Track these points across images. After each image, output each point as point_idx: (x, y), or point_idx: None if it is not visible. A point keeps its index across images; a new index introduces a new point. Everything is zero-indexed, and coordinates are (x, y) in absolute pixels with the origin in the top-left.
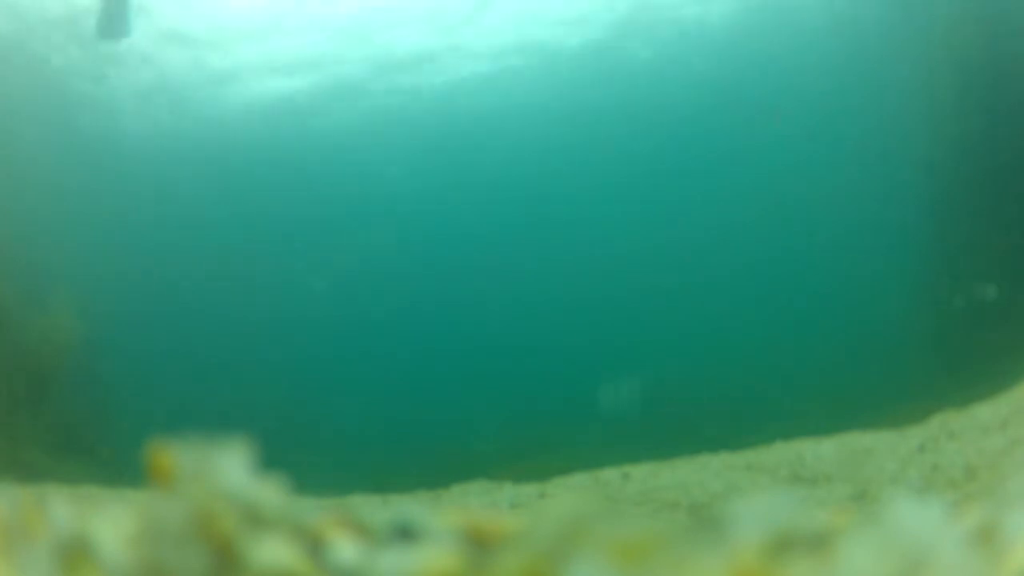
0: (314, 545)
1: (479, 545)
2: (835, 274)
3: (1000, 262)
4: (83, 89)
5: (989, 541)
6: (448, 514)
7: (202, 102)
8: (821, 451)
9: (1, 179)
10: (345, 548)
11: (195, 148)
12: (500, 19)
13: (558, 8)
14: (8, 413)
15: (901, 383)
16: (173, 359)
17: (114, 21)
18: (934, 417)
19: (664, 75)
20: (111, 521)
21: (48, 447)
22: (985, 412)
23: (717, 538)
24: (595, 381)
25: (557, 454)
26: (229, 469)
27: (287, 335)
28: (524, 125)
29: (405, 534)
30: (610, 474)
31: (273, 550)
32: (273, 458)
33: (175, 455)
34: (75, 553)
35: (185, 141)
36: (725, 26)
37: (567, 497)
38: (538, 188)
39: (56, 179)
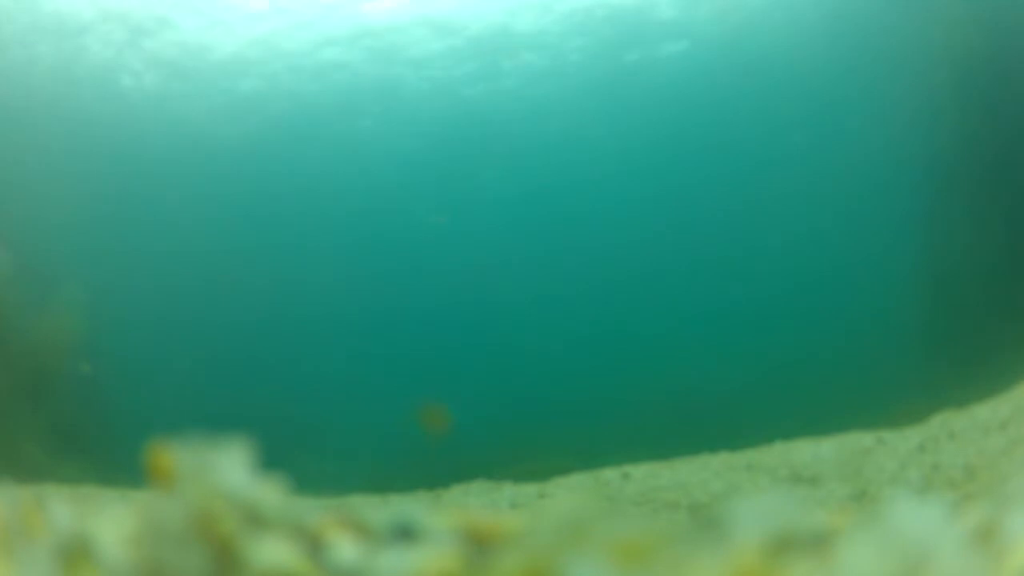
0: (314, 545)
1: (479, 545)
2: (834, 273)
3: (1000, 261)
4: (84, 88)
5: (989, 541)
6: (448, 514)
7: (202, 97)
8: (821, 451)
9: (0, 179)
10: (345, 548)
11: (192, 147)
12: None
13: None
14: (8, 413)
15: (901, 383)
16: (173, 359)
17: None
18: (934, 417)
19: (659, 75)
20: (111, 521)
21: (48, 447)
22: (985, 412)
23: (717, 538)
24: (595, 381)
25: (557, 454)
26: (229, 469)
27: (287, 335)
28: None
29: (405, 534)
30: (610, 474)
31: (273, 550)
32: (273, 458)
33: (175, 455)
34: (75, 553)
35: (186, 140)
36: (720, 23)
37: (567, 497)
38: (536, 187)
39: (56, 179)
